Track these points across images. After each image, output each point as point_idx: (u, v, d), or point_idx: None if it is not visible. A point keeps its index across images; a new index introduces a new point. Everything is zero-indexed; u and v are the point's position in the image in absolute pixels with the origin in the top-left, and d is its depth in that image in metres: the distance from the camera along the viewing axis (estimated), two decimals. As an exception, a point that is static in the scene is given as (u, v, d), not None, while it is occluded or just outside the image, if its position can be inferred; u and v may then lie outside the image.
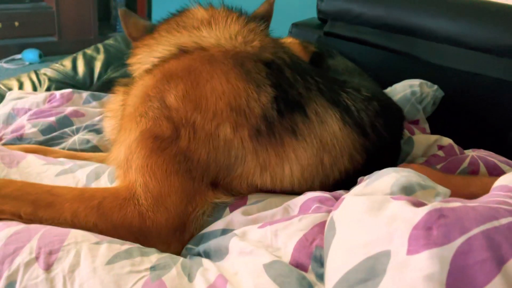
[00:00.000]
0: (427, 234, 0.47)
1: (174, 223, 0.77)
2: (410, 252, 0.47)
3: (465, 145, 1.27)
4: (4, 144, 1.18)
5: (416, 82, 1.47)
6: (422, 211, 0.50)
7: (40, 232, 0.66)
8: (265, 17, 1.08)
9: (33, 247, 0.63)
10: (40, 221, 0.72)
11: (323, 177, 0.89)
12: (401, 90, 1.46)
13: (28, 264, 0.61)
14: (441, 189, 0.72)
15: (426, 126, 1.45)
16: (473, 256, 0.44)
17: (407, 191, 0.62)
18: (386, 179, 0.65)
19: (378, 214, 0.54)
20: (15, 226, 0.67)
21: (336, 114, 0.90)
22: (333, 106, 0.91)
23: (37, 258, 0.62)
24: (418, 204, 0.54)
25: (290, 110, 0.85)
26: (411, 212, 0.51)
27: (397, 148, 1.14)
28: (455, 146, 1.25)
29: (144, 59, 0.94)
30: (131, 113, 0.84)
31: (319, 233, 0.63)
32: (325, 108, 0.89)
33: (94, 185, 0.91)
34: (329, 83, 0.95)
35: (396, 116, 1.14)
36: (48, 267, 0.61)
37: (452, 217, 0.49)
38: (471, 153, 1.20)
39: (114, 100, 0.96)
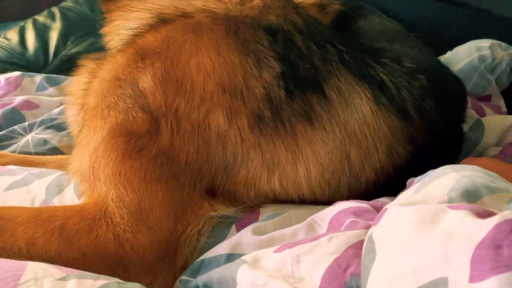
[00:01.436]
0: (495, 255, 0.49)
1: (160, 247, 0.80)
2: (473, 279, 0.48)
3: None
4: None
5: (485, 43, 1.48)
6: (489, 224, 0.52)
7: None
8: None
9: None
10: None
11: (352, 178, 0.91)
12: (465, 56, 1.48)
13: None
14: (519, 190, 0.73)
15: (502, 103, 1.47)
16: (555, 283, 0.46)
17: (470, 196, 0.63)
18: (443, 181, 0.67)
19: (430, 230, 0.56)
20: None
21: (366, 92, 0.92)
22: (362, 81, 0.92)
23: None
24: (484, 214, 0.56)
25: (302, 88, 0.87)
26: (474, 225, 0.53)
27: (457, 137, 1.15)
28: (542, 130, 1.27)
29: (118, 29, 0.97)
30: (96, 105, 0.86)
31: (354, 257, 0.64)
32: (350, 85, 0.91)
33: (56, 201, 0.93)
34: (357, 52, 0.97)
35: (453, 94, 1.16)
36: None
37: (529, 230, 0.50)
38: None
39: (76, 81, 0.98)
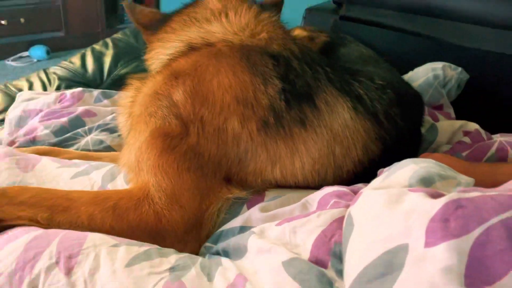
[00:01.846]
0: (444, 226, 0.49)
1: (189, 221, 0.80)
2: (427, 245, 0.49)
3: (492, 130, 1.27)
4: (17, 147, 1.22)
5: (439, 65, 1.47)
6: (439, 203, 0.52)
7: (58, 236, 0.69)
8: (277, 4, 1.10)
9: (53, 252, 0.66)
10: (58, 226, 0.76)
11: (336, 169, 0.91)
12: (423, 74, 1.47)
13: (48, 269, 0.65)
14: (463, 178, 0.73)
15: (451, 111, 1.45)
16: (491, 247, 0.46)
17: (426, 182, 0.64)
18: (404, 171, 0.67)
19: (395, 208, 0.56)
20: (34, 232, 0.71)
21: (347, 103, 0.92)
22: (344, 95, 0.93)
23: (57, 262, 0.65)
24: (436, 195, 0.56)
25: (298, 100, 0.87)
26: (428, 204, 0.53)
27: (417, 137, 1.15)
28: (482, 132, 1.25)
29: (158, 55, 0.98)
30: (141, 113, 0.87)
31: (337, 229, 0.65)
32: (335, 97, 0.91)
33: (110, 186, 0.94)
34: (340, 72, 0.97)
35: (413, 104, 1.16)
36: (68, 272, 0.65)
37: (470, 207, 0.50)
38: (499, 138, 1.19)
39: (125, 95, 1.00)
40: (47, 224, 0.76)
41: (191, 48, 0.91)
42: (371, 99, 0.96)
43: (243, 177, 0.86)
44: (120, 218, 0.78)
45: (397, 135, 0.99)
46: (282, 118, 0.85)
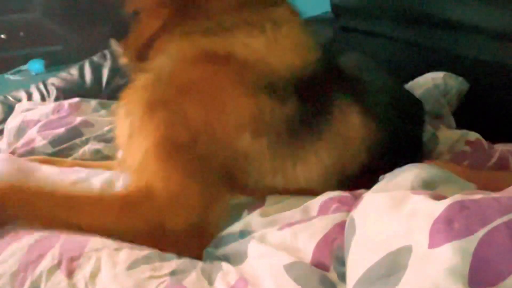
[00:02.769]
0: (448, 227, 0.49)
1: (192, 225, 0.80)
2: (431, 245, 0.49)
3: (494, 140, 1.27)
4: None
5: (439, 74, 1.47)
6: (443, 204, 0.52)
7: (61, 239, 0.71)
8: None
9: (55, 254, 0.68)
10: (60, 226, 0.76)
11: (343, 176, 0.91)
12: (423, 84, 1.47)
13: (51, 271, 0.66)
14: (467, 183, 0.74)
15: (452, 120, 1.45)
16: (495, 247, 0.46)
17: (428, 185, 0.64)
18: (407, 174, 0.68)
19: (398, 210, 0.56)
20: (37, 233, 0.73)
21: (356, 108, 0.92)
22: (353, 101, 0.93)
23: (59, 264, 0.67)
24: (439, 197, 0.56)
25: (314, 112, 0.87)
26: (432, 205, 0.53)
27: (417, 140, 1.16)
28: (483, 141, 1.26)
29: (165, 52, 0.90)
30: (146, 117, 0.84)
31: (339, 233, 0.65)
32: (348, 105, 0.91)
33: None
34: (350, 81, 0.98)
35: (413, 107, 1.17)
36: (70, 274, 0.66)
37: (474, 208, 0.51)
38: (501, 147, 1.20)
39: (126, 97, 0.94)
40: (49, 224, 0.76)
41: (216, 56, 0.86)
42: (373, 105, 0.97)
43: (245, 183, 0.86)
44: (122, 220, 0.78)
45: (397, 137, 1.00)
46: (295, 131, 0.85)
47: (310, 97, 0.87)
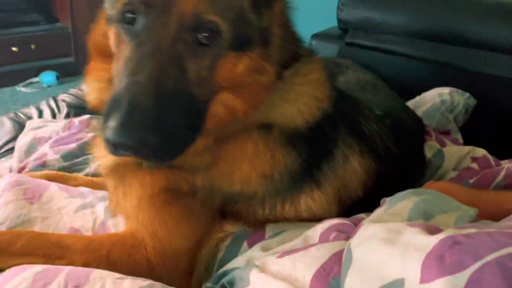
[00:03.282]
0: (440, 262, 0.51)
1: (183, 267, 0.82)
2: (423, 280, 0.50)
3: (501, 156, 1.28)
4: (28, 172, 1.26)
5: (445, 90, 1.49)
6: (436, 239, 0.54)
7: (66, 269, 0.73)
8: None
9: (61, 282, 0.70)
10: (57, 263, 0.78)
11: (338, 208, 0.93)
12: (430, 99, 1.49)
13: None
14: (466, 209, 0.75)
15: (459, 136, 1.46)
16: (486, 285, 0.48)
17: (425, 216, 0.65)
18: (405, 203, 0.69)
19: (393, 243, 0.58)
20: (41, 266, 0.75)
21: (356, 147, 0.94)
22: (355, 139, 0.95)
23: None
24: (433, 231, 0.58)
25: (317, 161, 0.89)
26: (425, 240, 0.55)
27: (417, 164, 1.17)
28: (490, 157, 1.26)
29: None
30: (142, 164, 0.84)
31: (336, 263, 0.66)
32: (349, 145, 0.93)
33: (110, 222, 0.96)
34: (352, 109, 0.99)
35: (413, 131, 1.18)
36: None
37: (466, 244, 0.52)
38: (508, 164, 1.20)
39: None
40: (46, 262, 0.78)
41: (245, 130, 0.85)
42: (372, 134, 0.98)
43: (236, 212, 0.88)
44: (113, 266, 0.79)
45: (393, 166, 1.01)
46: (298, 180, 0.87)
47: (317, 143, 0.89)
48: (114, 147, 0.65)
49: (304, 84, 0.88)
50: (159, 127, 0.65)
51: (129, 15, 0.72)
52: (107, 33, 0.79)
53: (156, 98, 0.65)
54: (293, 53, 0.87)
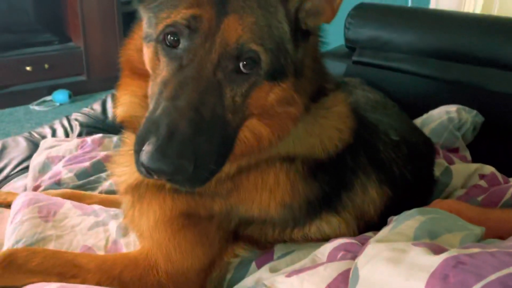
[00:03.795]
0: (443, 282, 0.52)
1: None
2: (427, 300, 0.52)
3: (509, 173, 1.28)
4: (43, 190, 1.29)
5: (453, 108, 1.50)
6: (440, 259, 0.55)
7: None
8: None
9: None
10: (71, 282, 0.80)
11: (352, 231, 0.94)
12: (437, 117, 1.50)
13: None
14: (472, 228, 0.76)
15: (467, 153, 1.47)
16: (489, 304, 0.49)
17: (431, 235, 0.67)
18: (411, 222, 0.71)
19: (398, 262, 0.59)
20: (55, 284, 0.77)
21: (375, 176, 0.96)
22: (374, 168, 0.96)
23: None
24: (438, 250, 0.59)
25: (338, 191, 0.91)
26: (429, 260, 0.56)
27: (427, 186, 1.18)
28: (498, 175, 1.27)
29: None
30: (164, 186, 0.85)
31: (342, 282, 0.68)
32: (368, 176, 0.95)
33: (122, 241, 0.98)
34: (372, 136, 1.00)
35: (424, 155, 1.19)
36: None
37: (469, 264, 0.53)
38: (516, 181, 1.21)
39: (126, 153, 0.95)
40: (60, 280, 0.81)
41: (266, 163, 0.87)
42: (390, 163, 1.00)
43: (249, 234, 0.90)
44: (125, 287, 0.81)
45: (407, 192, 1.03)
46: (316, 208, 0.89)
47: (338, 173, 0.91)
48: (148, 171, 0.65)
49: (328, 117, 0.90)
50: (196, 154, 0.65)
51: (172, 38, 0.73)
52: (142, 49, 0.80)
53: (195, 124, 0.66)
54: (321, 87, 0.88)
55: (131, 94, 0.85)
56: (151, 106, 0.72)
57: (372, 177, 0.95)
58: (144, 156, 0.63)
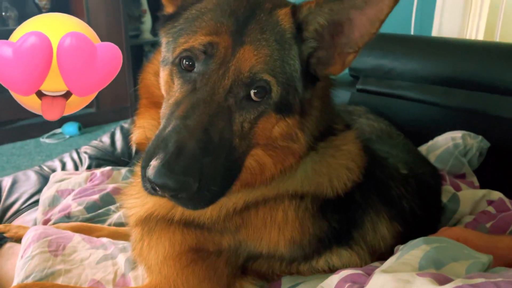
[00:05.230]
0: (448, 313, 0.52)
1: None
2: (432, 331, 0.52)
3: (518, 199, 1.28)
4: (53, 223, 1.30)
5: (458, 134, 1.50)
6: (444, 289, 0.55)
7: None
8: None
9: None
10: None
11: (363, 264, 0.94)
12: (443, 144, 1.50)
13: None
14: (479, 256, 0.75)
15: (474, 179, 1.46)
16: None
17: (436, 264, 0.67)
18: (416, 252, 0.71)
19: (402, 293, 0.59)
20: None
21: (386, 215, 0.96)
22: (385, 205, 0.97)
23: None
24: (442, 280, 0.59)
25: (348, 229, 0.92)
26: (434, 290, 0.56)
27: (437, 210, 1.19)
28: (507, 200, 1.26)
29: None
30: (173, 219, 0.86)
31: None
32: (378, 213, 0.95)
33: (131, 275, 0.99)
34: (382, 172, 1.01)
35: (431, 186, 1.19)
36: None
37: (474, 294, 0.53)
38: (524, 206, 1.20)
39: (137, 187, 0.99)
40: None
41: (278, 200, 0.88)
42: (400, 198, 1.00)
43: (257, 268, 0.90)
44: None
45: (417, 226, 1.03)
46: (326, 245, 0.90)
47: (348, 212, 0.92)
48: (152, 187, 0.67)
49: (336, 156, 0.91)
50: (201, 174, 0.66)
51: (187, 62, 0.76)
52: (159, 73, 0.83)
53: (203, 145, 0.68)
54: (329, 127, 0.90)
55: (149, 118, 0.88)
56: (162, 125, 0.74)
57: (382, 214, 0.96)
58: (150, 171, 0.65)
